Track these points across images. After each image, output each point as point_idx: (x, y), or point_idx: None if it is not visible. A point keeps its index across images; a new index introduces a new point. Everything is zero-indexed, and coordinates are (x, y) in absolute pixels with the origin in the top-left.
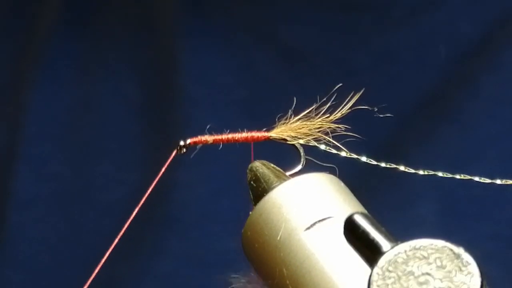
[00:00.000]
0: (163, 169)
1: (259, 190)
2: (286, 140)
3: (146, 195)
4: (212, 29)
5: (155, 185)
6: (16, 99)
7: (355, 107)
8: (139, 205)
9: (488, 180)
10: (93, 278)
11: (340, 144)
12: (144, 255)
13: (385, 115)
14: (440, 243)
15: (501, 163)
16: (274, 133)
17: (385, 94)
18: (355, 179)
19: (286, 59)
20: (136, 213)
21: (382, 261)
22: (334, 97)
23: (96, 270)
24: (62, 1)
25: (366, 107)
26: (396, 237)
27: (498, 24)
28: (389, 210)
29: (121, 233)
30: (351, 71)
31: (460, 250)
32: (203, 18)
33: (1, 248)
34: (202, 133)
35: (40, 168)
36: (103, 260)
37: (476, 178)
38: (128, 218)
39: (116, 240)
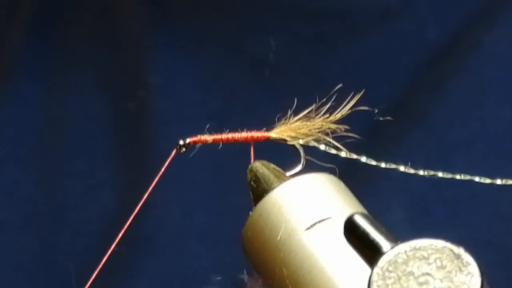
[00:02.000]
0: (163, 169)
1: (259, 191)
2: (286, 140)
3: (146, 195)
4: (179, 43)
5: (129, 204)
6: None
7: (355, 108)
8: (137, 210)
9: (488, 180)
10: None
11: (342, 145)
12: (120, 275)
13: (385, 118)
14: (440, 243)
15: (469, 167)
16: (274, 133)
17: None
18: None
19: (255, 70)
20: (111, 233)
21: (382, 261)
22: (334, 97)
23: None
24: (27, 20)
25: (366, 108)
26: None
27: (464, 30)
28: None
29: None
30: (321, 80)
31: (460, 250)
32: (170, 33)
33: None
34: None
35: (10, 191)
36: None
37: (477, 179)
38: (101, 237)
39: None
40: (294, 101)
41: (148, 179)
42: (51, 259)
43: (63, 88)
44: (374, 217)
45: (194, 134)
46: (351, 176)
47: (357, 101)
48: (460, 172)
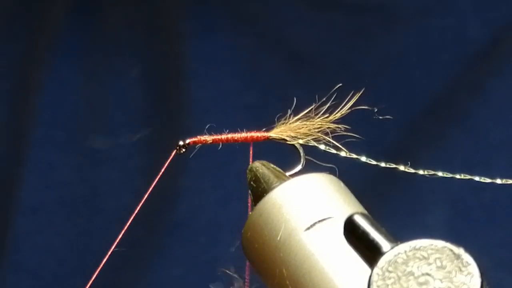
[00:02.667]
0: (162, 169)
1: (259, 191)
2: (286, 140)
3: (146, 195)
4: (218, 32)
5: (162, 191)
6: (22, 104)
7: (355, 107)
8: (138, 207)
9: (488, 180)
10: (100, 284)
11: (342, 145)
12: (151, 261)
13: (384, 117)
14: (440, 243)
15: (510, 168)
16: (274, 133)
17: (392, 98)
18: (364, 185)
19: (292, 62)
20: (144, 220)
21: (382, 262)
22: (334, 97)
23: (94, 276)
24: (67, 5)
25: (365, 107)
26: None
27: (506, 29)
28: (400, 216)
29: (118, 238)
30: (358, 74)
31: (460, 251)
32: (210, 21)
33: (7, 254)
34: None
35: (46, 174)
36: (101, 264)
37: (476, 178)
38: (135, 224)
39: (113, 246)
40: (331, 95)
41: (183, 167)
42: (83, 244)
43: (101, 73)
44: (411, 219)
45: (231, 124)
46: (389, 179)
47: (391, 97)
48: (500, 174)
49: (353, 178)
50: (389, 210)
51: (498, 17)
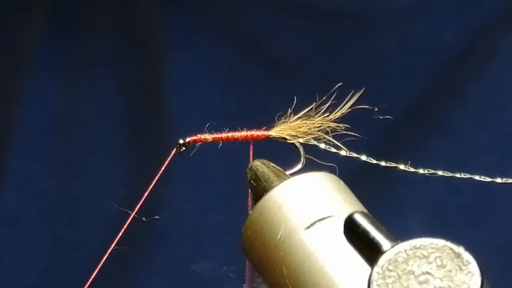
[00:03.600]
0: (163, 167)
1: (259, 189)
2: (286, 139)
3: (146, 194)
4: (196, 41)
5: (143, 201)
6: (0, 114)
7: (355, 107)
8: (139, 205)
9: (488, 179)
10: None
11: (340, 143)
12: (134, 272)
13: (384, 117)
14: (440, 242)
15: (488, 170)
16: (274, 132)
17: (370, 103)
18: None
19: (271, 70)
20: (125, 230)
21: (382, 260)
22: (330, 97)
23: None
24: (46, 17)
25: (366, 107)
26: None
27: (483, 33)
28: (379, 218)
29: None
30: (337, 81)
31: (460, 249)
32: (188, 31)
33: None
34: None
35: (25, 185)
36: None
37: (476, 177)
38: (116, 233)
39: (105, 258)
40: (310, 101)
41: (162, 176)
42: (63, 254)
43: (80, 83)
44: (392, 220)
45: (210, 132)
46: (369, 180)
47: (370, 103)
48: (479, 176)
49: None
50: (368, 211)
51: (475, 21)
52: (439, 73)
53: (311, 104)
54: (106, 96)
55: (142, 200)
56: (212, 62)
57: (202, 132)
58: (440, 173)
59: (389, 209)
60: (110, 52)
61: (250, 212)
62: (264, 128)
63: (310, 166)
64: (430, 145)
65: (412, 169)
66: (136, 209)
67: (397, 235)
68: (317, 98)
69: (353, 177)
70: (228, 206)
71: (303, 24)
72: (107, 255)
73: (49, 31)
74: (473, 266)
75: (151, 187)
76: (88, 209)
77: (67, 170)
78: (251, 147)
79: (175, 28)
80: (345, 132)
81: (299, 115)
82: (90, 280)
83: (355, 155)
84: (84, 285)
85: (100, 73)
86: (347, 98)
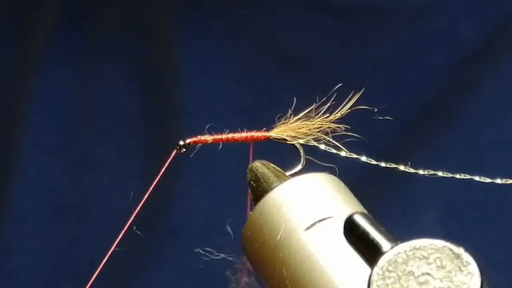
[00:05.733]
0: (163, 169)
1: (259, 190)
2: (286, 140)
3: (146, 195)
4: (210, 36)
5: (154, 197)
6: (12, 110)
7: (355, 107)
8: (139, 206)
9: (488, 180)
10: None
11: (340, 144)
12: (144, 268)
13: (384, 117)
14: (440, 243)
15: (503, 169)
16: (274, 133)
17: (385, 100)
18: (356, 185)
19: (285, 66)
20: (137, 226)
21: (382, 261)
22: (334, 97)
23: (90, 282)
24: (58, 12)
25: (366, 107)
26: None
27: (499, 29)
28: (393, 216)
29: (114, 244)
30: (351, 77)
31: (460, 250)
32: (201, 25)
33: None
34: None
35: (37, 181)
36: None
37: (476, 178)
38: (128, 230)
39: (110, 252)
40: (323, 98)
41: (175, 172)
42: (75, 250)
43: (92, 79)
44: (405, 219)
45: (224, 128)
46: (383, 177)
47: (384, 100)
48: (495, 174)
49: (345, 178)
50: (383, 210)
51: (490, 18)
52: (455, 71)
53: (323, 100)
54: (119, 91)
55: (142, 201)
56: (226, 58)
57: (215, 128)
58: (440, 173)
59: (403, 207)
60: (122, 48)
61: (250, 213)
62: (264, 129)
63: (310, 167)
64: (445, 142)
65: (412, 170)
66: (137, 210)
67: (411, 232)
68: (317, 99)
69: (367, 174)
70: (239, 202)
71: (318, 20)
72: (107, 256)
73: (61, 27)
74: (473, 267)
75: (151, 187)
76: (100, 205)
77: (79, 166)
78: (251, 148)
79: (188, 23)
80: (345, 133)
81: (299, 116)
82: (93, 278)
83: (355, 156)
84: (95, 282)
85: (112, 68)
86: (347, 99)
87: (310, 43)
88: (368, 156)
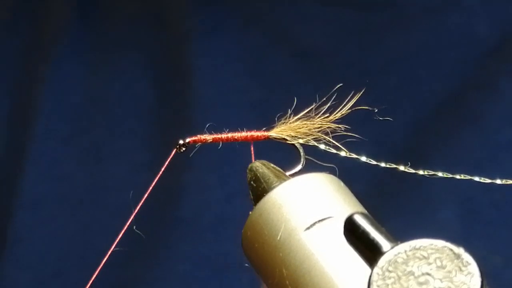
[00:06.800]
0: (163, 168)
1: (259, 190)
2: (286, 140)
3: (146, 195)
4: (225, 28)
5: (167, 187)
6: (26, 98)
7: (356, 107)
8: (139, 206)
9: (488, 180)
10: (105, 280)
11: (344, 144)
12: (157, 257)
13: (384, 118)
14: (440, 243)
15: None
16: (274, 133)
17: (400, 96)
18: (374, 184)
19: (300, 59)
20: (149, 215)
21: (382, 261)
22: (339, 95)
23: (97, 272)
24: (73, 0)
25: (365, 107)
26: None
27: None
28: (410, 215)
29: (121, 235)
30: (366, 72)
31: (460, 250)
32: (216, 17)
33: (9, 247)
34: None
35: (49, 168)
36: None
37: (476, 178)
38: (141, 220)
39: (117, 240)
40: (338, 92)
41: (188, 162)
42: (85, 239)
43: (106, 67)
44: (422, 217)
45: (236, 120)
46: (401, 176)
47: (399, 96)
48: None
49: (362, 177)
50: (400, 209)
51: (508, 14)
52: (472, 67)
53: (332, 95)
54: (132, 81)
55: (142, 201)
56: (241, 50)
57: (228, 119)
58: (440, 174)
59: (420, 206)
60: (137, 38)
61: (250, 213)
62: (264, 128)
63: (310, 167)
64: (462, 140)
65: (412, 170)
66: (137, 210)
67: (428, 231)
68: (317, 99)
69: (386, 172)
70: None
71: (334, 13)
72: (107, 256)
73: (76, 16)
74: (473, 267)
75: (151, 187)
76: (112, 194)
77: (91, 155)
78: (252, 147)
79: (203, 15)
80: (347, 133)
81: (299, 115)
82: (93, 278)
83: (355, 155)
84: (105, 272)
85: (126, 58)
86: (347, 99)
87: (325, 37)
88: (382, 153)
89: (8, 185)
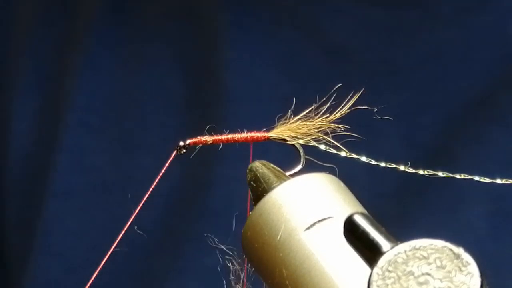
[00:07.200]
0: (163, 169)
1: (259, 190)
2: (286, 140)
3: (146, 197)
4: (256, 21)
5: (196, 179)
6: (57, 88)
7: (355, 107)
8: (139, 207)
9: (488, 180)
10: (132, 270)
11: (344, 144)
12: (184, 249)
13: (384, 117)
14: (440, 243)
15: None
16: (274, 133)
17: (431, 94)
18: (401, 183)
19: (330, 55)
20: (178, 207)
21: (382, 261)
22: (334, 97)
23: (103, 259)
24: None
25: (365, 107)
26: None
27: None
28: (438, 214)
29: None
30: (396, 70)
31: (460, 250)
32: (248, 10)
33: (38, 236)
34: (245, 128)
35: (80, 159)
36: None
37: (476, 178)
38: (168, 211)
39: (110, 250)
40: (367, 89)
41: (217, 156)
42: (114, 229)
43: (137, 60)
44: (451, 217)
45: (265, 115)
46: (427, 176)
47: (430, 95)
48: None
49: (388, 177)
50: (428, 208)
51: None
52: (502, 67)
53: (364, 91)
54: (163, 73)
55: (143, 201)
56: (272, 44)
57: (258, 114)
58: (440, 174)
59: (450, 204)
60: (168, 29)
61: (250, 213)
62: (264, 129)
63: (310, 167)
64: (492, 138)
65: (412, 170)
66: (137, 210)
67: (456, 230)
68: (317, 99)
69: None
70: None
71: (365, 11)
72: (107, 256)
73: (109, 9)
74: (473, 267)
75: (151, 187)
76: (141, 186)
77: (122, 146)
78: (251, 148)
79: (235, 8)
80: (346, 133)
81: (299, 116)
82: (93, 277)
83: (355, 156)
84: (134, 263)
85: (157, 50)
86: (347, 99)
87: (356, 33)
88: (413, 150)
89: (40, 175)
